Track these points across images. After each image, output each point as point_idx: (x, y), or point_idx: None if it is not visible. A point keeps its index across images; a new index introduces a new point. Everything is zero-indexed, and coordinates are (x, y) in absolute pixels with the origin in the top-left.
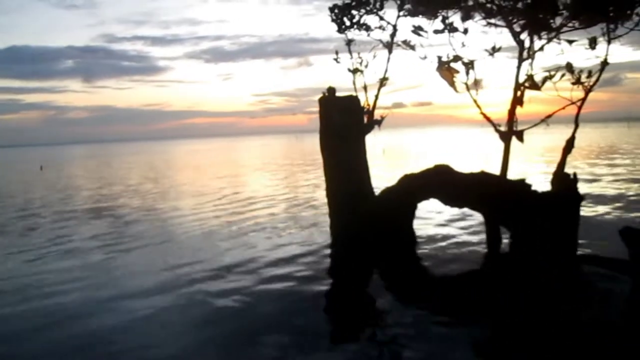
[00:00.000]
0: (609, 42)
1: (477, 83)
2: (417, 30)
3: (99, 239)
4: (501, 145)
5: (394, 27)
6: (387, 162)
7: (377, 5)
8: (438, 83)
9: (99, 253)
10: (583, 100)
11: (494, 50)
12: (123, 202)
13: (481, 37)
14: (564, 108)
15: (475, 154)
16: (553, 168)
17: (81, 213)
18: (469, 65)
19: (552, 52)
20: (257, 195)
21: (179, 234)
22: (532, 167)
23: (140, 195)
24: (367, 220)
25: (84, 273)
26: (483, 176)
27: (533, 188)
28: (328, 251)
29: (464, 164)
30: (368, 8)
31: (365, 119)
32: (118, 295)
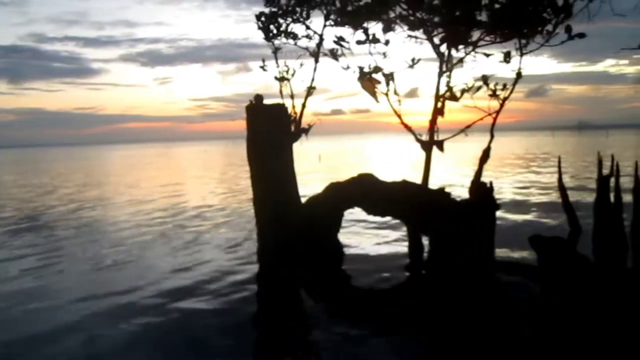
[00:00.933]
0: (521, 56)
1: (413, 93)
2: (339, 40)
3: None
4: (436, 153)
5: (321, 36)
6: (323, 168)
7: (304, 14)
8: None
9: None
10: (498, 111)
11: (414, 62)
12: (44, 213)
13: (409, 47)
14: (482, 119)
15: (407, 161)
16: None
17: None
18: (389, 77)
19: (482, 64)
20: (191, 205)
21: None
22: (464, 174)
23: (66, 203)
24: (293, 230)
25: None
26: (404, 185)
27: (453, 197)
28: (254, 262)
29: (395, 172)
30: (295, 17)
31: (293, 128)
32: None
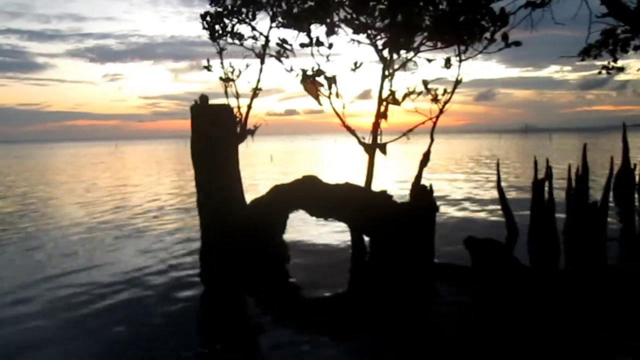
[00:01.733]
0: (460, 62)
1: (366, 94)
2: (283, 43)
3: None
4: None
5: (266, 37)
6: (274, 168)
7: (250, 15)
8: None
9: None
10: (438, 115)
11: (356, 66)
12: None
13: (355, 51)
14: (423, 123)
15: (359, 162)
16: (437, 175)
17: None
18: (332, 80)
19: (433, 68)
20: (133, 204)
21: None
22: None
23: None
24: (236, 231)
25: None
26: (347, 187)
27: (394, 199)
28: (196, 264)
29: (346, 173)
30: (240, 17)
31: (238, 129)
32: None
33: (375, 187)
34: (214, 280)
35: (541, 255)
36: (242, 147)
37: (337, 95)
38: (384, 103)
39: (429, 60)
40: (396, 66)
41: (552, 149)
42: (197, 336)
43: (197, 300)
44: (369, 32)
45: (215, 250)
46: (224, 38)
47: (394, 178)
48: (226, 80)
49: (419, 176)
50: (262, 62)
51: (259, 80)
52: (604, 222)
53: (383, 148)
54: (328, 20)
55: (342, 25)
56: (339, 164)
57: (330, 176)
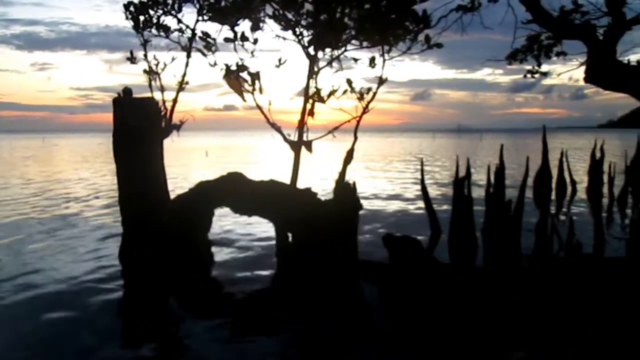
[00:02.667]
0: (384, 61)
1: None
2: (205, 37)
3: None
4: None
5: (193, 30)
6: (209, 164)
7: (175, 7)
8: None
9: None
10: (362, 114)
11: (280, 62)
12: None
13: (283, 47)
14: (349, 121)
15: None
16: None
17: None
18: (255, 76)
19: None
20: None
21: None
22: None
23: None
24: (160, 228)
25: None
26: (272, 184)
27: (319, 196)
28: (116, 262)
29: (276, 169)
30: (166, 9)
31: (163, 123)
32: None
33: (305, 184)
34: (136, 277)
35: (460, 252)
36: (171, 143)
37: (261, 91)
38: (310, 101)
39: (355, 60)
40: (323, 64)
41: (482, 149)
42: (116, 337)
43: (116, 301)
44: (296, 29)
45: (137, 248)
46: (149, 30)
47: (323, 175)
48: (150, 73)
49: (342, 174)
50: (189, 56)
51: (184, 74)
52: (519, 219)
53: (309, 146)
54: (252, 15)
55: (271, 21)
56: (274, 160)
57: (264, 172)
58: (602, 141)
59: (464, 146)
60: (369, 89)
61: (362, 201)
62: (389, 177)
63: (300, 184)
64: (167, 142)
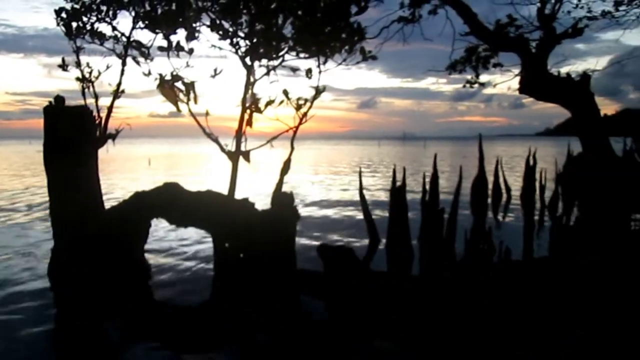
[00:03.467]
0: (320, 72)
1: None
2: (139, 46)
3: None
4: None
5: (128, 38)
6: (150, 172)
7: (110, 14)
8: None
9: None
10: (298, 125)
11: (216, 72)
12: None
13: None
14: (287, 131)
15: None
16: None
17: None
18: (190, 86)
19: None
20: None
21: None
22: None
23: None
24: (93, 241)
25: None
26: (209, 195)
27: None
28: (44, 279)
29: (221, 178)
30: (100, 16)
31: (98, 133)
32: None
33: (245, 194)
34: (64, 293)
35: (397, 260)
36: (106, 153)
37: (196, 101)
38: (248, 111)
39: (294, 70)
40: (260, 74)
41: (425, 156)
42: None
43: (49, 329)
44: (233, 39)
45: (68, 262)
46: (82, 36)
47: (265, 184)
48: (83, 80)
49: (280, 184)
50: (124, 64)
51: (120, 83)
52: (453, 226)
53: (247, 156)
54: (189, 24)
55: (208, 30)
56: (219, 169)
57: (208, 181)
58: (534, 149)
59: (408, 153)
60: (306, 100)
61: (307, 208)
62: (332, 185)
63: (240, 194)
64: (104, 152)
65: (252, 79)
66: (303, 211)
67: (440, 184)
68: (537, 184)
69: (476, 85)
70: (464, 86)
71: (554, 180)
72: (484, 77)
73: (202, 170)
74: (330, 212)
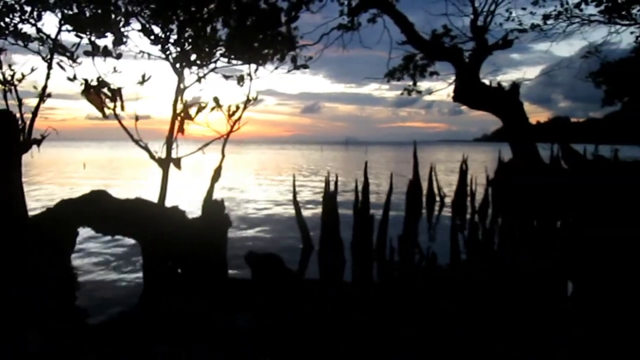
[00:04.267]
0: (251, 80)
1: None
2: (63, 50)
3: None
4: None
5: (54, 41)
6: (84, 176)
7: (34, 15)
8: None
9: None
10: (229, 132)
11: (144, 79)
12: None
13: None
14: (219, 138)
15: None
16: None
17: None
18: (116, 92)
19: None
20: None
21: None
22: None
23: None
24: (15, 251)
25: None
26: (137, 203)
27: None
28: None
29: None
30: (24, 17)
31: (22, 137)
32: None
33: (181, 202)
34: None
35: (330, 266)
36: (30, 158)
37: (122, 107)
38: (178, 118)
39: (226, 77)
40: (191, 81)
41: (367, 161)
42: None
43: None
44: (164, 45)
45: None
46: (4, 38)
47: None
48: (5, 83)
49: (210, 191)
50: (50, 67)
51: (46, 86)
52: (384, 232)
53: (177, 162)
54: (116, 29)
55: (137, 36)
56: (157, 174)
57: (147, 186)
58: (466, 155)
59: (350, 159)
60: (237, 107)
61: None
62: (271, 191)
63: (175, 201)
64: (30, 157)
65: (182, 86)
66: (248, 214)
67: (380, 189)
68: (470, 189)
69: (414, 93)
70: (402, 93)
71: (485, 185)
72: (425, 84)
73: (139, 175)
74: (266, 218)
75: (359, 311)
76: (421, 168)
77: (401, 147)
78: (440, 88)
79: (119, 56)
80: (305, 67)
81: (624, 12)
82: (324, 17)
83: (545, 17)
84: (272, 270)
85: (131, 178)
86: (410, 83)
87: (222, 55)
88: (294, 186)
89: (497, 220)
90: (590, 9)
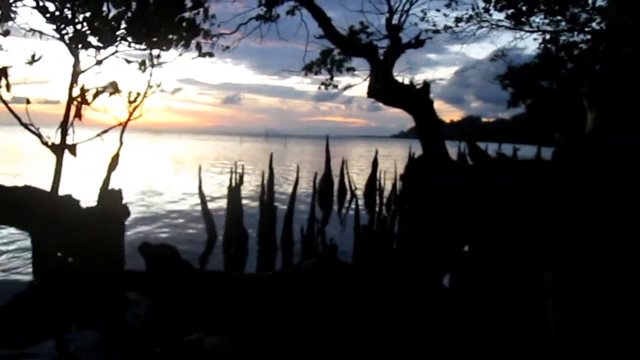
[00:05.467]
0: (152, 66)
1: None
2: None
3: None
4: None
5: None
6: None
7: None
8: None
9: None
10: (128, 119)
11: (34, 59)
12: None
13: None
14: (120, 124)
15: (82, 159)
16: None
17: None
18: (2, 73)
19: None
20: None
21: None
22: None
23: None
24: None
25: None
26: (27, 191)
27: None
28: None
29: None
30: None
31: None
32: None
33: (74, 191)
34: None
35: (234, 258)
36: None
37: (8, 89)
38: (74, 102)
39: (128, 62)
40: (90, 64)
41: (284, 153)
42: None
43: None
44: (58, 24)
45: None
46: None
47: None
48: None
49: (107, 180)
50: None
51: None
52: (289, 224)
53: (73, 149)
54: (3, 3)
55: (32, 12)
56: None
57: (36, 175)
58: (377, 150)
59: (268, 151)
60: (138, 94)
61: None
62: (182, 182)
63: (69, 190)
64: None
65: (79, 69)
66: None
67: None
68: (379, 184)
69: (330, 87)
70: (319, 88)
71: (394, 180)
72: (346, 80)
73: (32, 162)
74: (178, 207)
75: (249, 300)
76: (338, 162)
77: (321, 141)
78: (357, 83)
79: (6, 33)
80: (210, 54)
81: (525, 20)
82: (245, 7)
83: (458, 19)
84: (166, 262)
85: (21, 165)
86: (328, 77)
87: (121, 38)
88: (199, 178)
89: (404, 214)
90: (499, 15)
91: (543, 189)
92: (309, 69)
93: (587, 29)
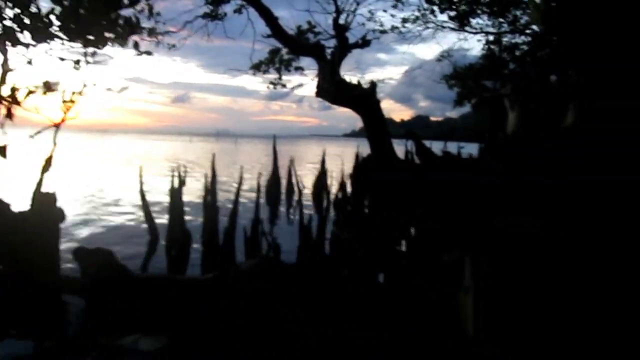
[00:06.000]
0: (87, 64)
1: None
2: None
3: None
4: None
5: None
6: None
7: None
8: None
9: None
10: (62, 120)
11: None
12: None
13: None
14: (55, 125)
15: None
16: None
17: None
18: None
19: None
20: None
21: None
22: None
23: None
24: None
25: None
26: None
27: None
28: None
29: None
30: None
31: None
32: None
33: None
34: None
35: (177, 260)
36: None
37: None
38: (5, 102)
39: (62, 59)
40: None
41: (235, 153)
42: None
43: None
44: None
45: None
46: None
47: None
48: None
49: (40, 182)
50: None
51: None
52: (233, 225)
53: (3, 151)
54: None
55: None
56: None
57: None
58: (324, 150)
59: (220, 150)
60: (73, 93)
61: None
62: (125, 182)
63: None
64: None
65: (8, 67)
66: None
67: (247, 182)
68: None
69: (279, 87)
70: (268, 87)
71: (343, 179)
72: (296, 79)
73: None
74: (121, 211)
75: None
76: (287, 162)
77: (272, 140)
78: (306, 83)
79: None
80: (148, 53)
81: (467, 21)
82: (192, 4)
83: (404, 20)
84: (102, 267)
85: None
86: (277, 76)
87: (54, 36)
88: (140, 179)
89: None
90: (443, 16)
91: (477, 187)
92: (257, 68)
93: (527, 31)
